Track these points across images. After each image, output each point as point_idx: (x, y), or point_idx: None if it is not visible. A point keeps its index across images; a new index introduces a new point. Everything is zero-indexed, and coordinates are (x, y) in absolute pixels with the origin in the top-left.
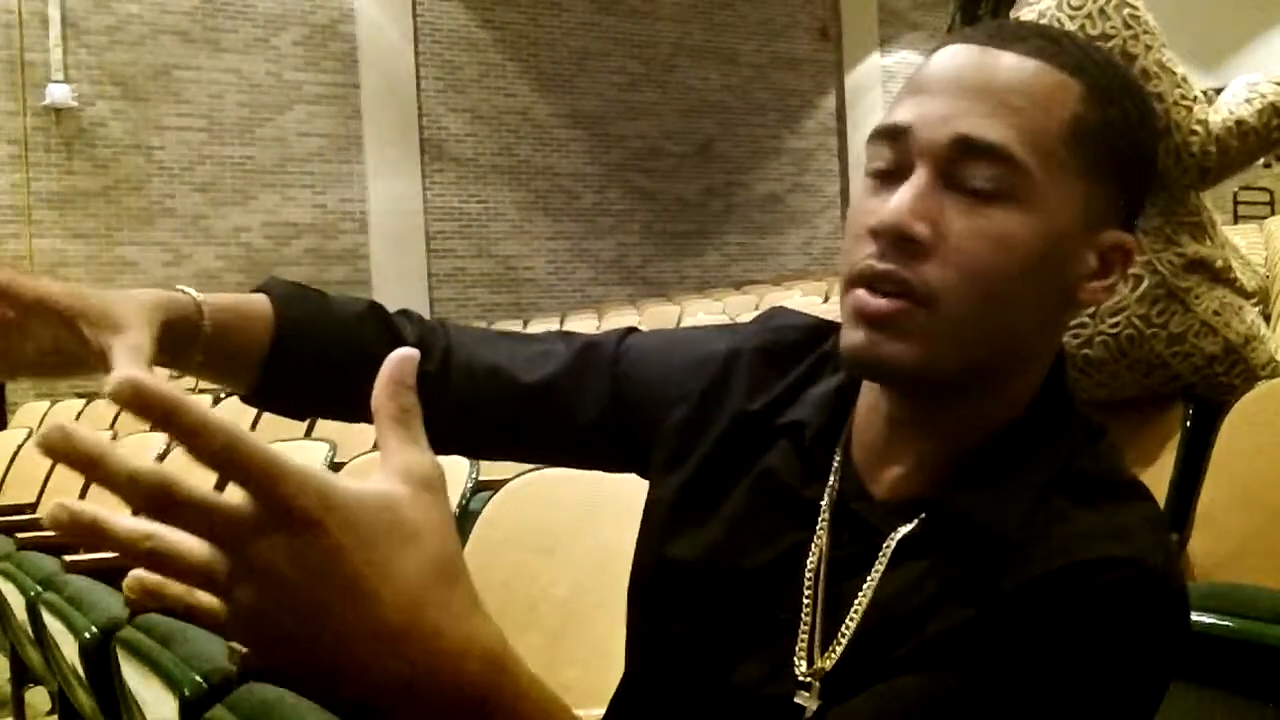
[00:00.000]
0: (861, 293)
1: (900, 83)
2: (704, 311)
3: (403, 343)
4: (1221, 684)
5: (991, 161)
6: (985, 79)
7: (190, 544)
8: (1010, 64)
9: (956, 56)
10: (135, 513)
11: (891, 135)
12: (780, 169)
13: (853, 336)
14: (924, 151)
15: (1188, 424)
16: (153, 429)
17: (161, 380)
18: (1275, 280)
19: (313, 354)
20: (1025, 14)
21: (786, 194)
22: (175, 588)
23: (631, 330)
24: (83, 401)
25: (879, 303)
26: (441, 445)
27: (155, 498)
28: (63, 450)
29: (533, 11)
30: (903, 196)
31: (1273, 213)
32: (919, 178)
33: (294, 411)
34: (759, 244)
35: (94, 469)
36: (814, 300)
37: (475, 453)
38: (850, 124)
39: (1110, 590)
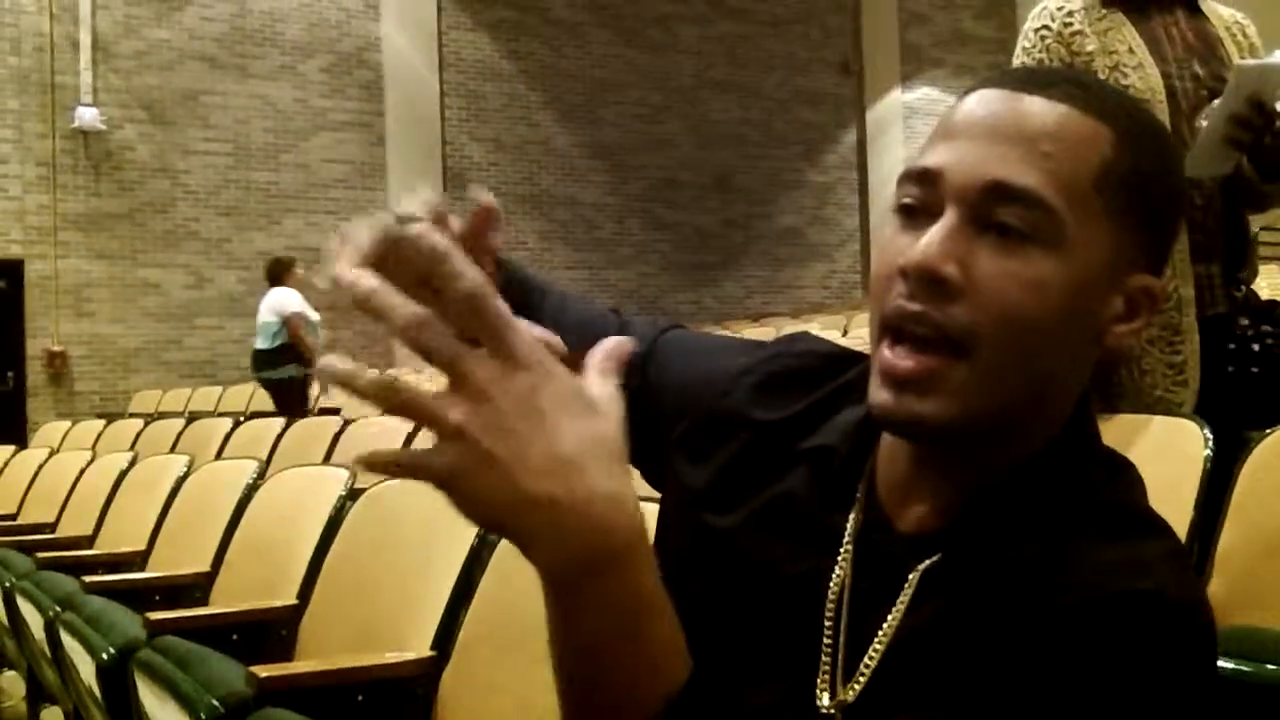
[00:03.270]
0: (888, 352)
1: (921, 119)
2: None
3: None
4: None
5: (1023, 206)
6: (1017, 124)
7: (425, 387)
8: (1041, 109)
9: (988, 102)
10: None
11: (922, 179)
12: (800, 202)
13: (879, 395)
14: (955, 195)
15: (1207, 466)
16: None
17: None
18: None
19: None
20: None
21: (806, 227)
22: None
23: (674, 326)
24: (103, 422)
25: (907, 364)
26: None
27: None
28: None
29: (556, 43)
30: (932, 236)
31: None
32: (949, 218)
33: None
34: (778, 276)
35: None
36: (833, 334)
37: None
38: (871, 158)
39: (1136, 624)
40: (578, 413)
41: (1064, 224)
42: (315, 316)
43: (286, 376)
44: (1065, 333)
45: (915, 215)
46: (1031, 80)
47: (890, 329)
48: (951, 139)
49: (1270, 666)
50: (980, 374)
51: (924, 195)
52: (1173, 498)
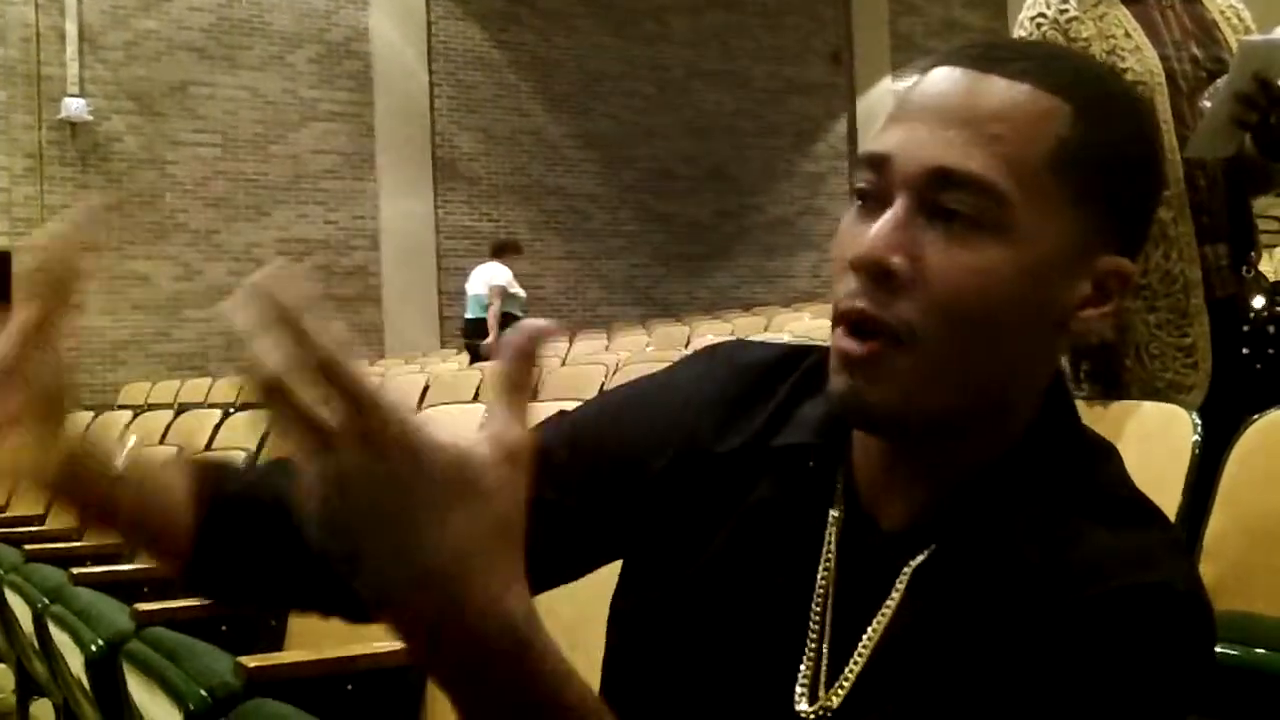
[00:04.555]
0: (842, 336)
1: None
2: (713, 333)
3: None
4: (1228, 714)
5: (971, 192)
6: (968, 105)
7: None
8: (996, 89)
9: (939, 81)
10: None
11: (873, 163)
12: (791, 192)
13: (837, 381)
14: (903, 182)
15: (1196, 452)
16: (274, 326)
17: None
18: None
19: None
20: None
21: (797, 217)
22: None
23: (558, 414)
24: (92, 414)
25: (858, 348)
26: None
27: (320, 366)
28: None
29: (547, 33)
30: (880, 228)
31: None
32: (897, 208)
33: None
34: (769, 266)
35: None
36: (824, 323)
37: None
38: (861, 148)
39: (1142, 617)
40: (457, 498)
41: (1014, 209)
42: (521, 292)
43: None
44: (1020, 321)
45: (868, 201)
46: (990, 56)
47: (842, 319)
48: (901, 121)
49: (1259, 651)
50: (926, 362)
51: (875, 181)
52: (1162, 484)
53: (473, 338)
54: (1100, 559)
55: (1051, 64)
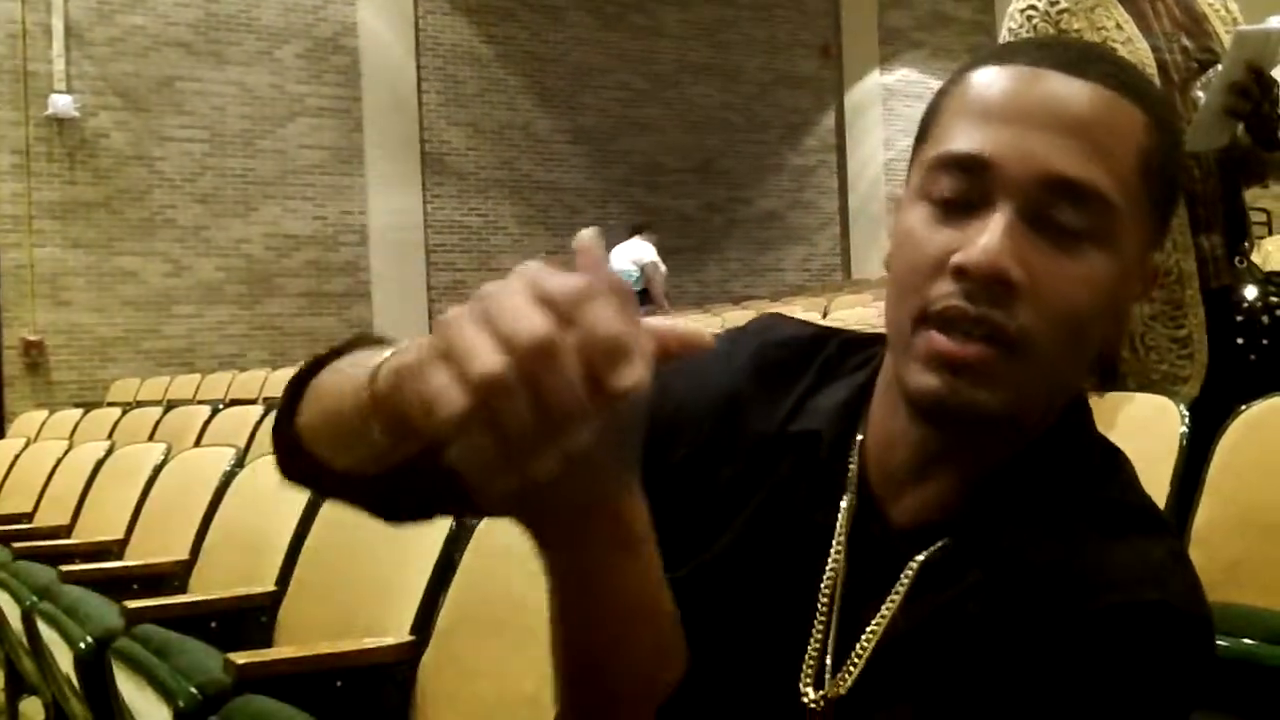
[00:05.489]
0: (941, 337)
1: (900, 101)
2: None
3: None
4: (1215, 704)
5: (1088, 203)
6: (1068, 110)
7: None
8: (1088, 94)
9: (1023, 80)
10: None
11: (967, 165)
12: (781, 186)
13: (928, 381)
14: (1009, 187)
15: (1184, 443)
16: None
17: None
18: None
19: None
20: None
21: (786, 211)
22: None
23: None
24: (81, 411)
25: (965, 350)
26: None
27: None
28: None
29: (535, 27)
30: (994, 236)
31: (1270, 233)
32: (1006, 215)
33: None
34: (758, 260)
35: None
36: (814, 316)
37: None
38: (850, 141)
39: (1142, 636)
40: (631, 437)
41: (1121, 219)
42: (664, 269)
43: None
44: (1105, 324)
45: (954, 208)
46: (1061, 57)
47: (938, 321)
48: (991, 121)
49: (1246, 641)
50: (1036, 368)
51: (968, 183)
52: (1151, 475)
53: None
54: (1103, 570)
55: (1125, 71)
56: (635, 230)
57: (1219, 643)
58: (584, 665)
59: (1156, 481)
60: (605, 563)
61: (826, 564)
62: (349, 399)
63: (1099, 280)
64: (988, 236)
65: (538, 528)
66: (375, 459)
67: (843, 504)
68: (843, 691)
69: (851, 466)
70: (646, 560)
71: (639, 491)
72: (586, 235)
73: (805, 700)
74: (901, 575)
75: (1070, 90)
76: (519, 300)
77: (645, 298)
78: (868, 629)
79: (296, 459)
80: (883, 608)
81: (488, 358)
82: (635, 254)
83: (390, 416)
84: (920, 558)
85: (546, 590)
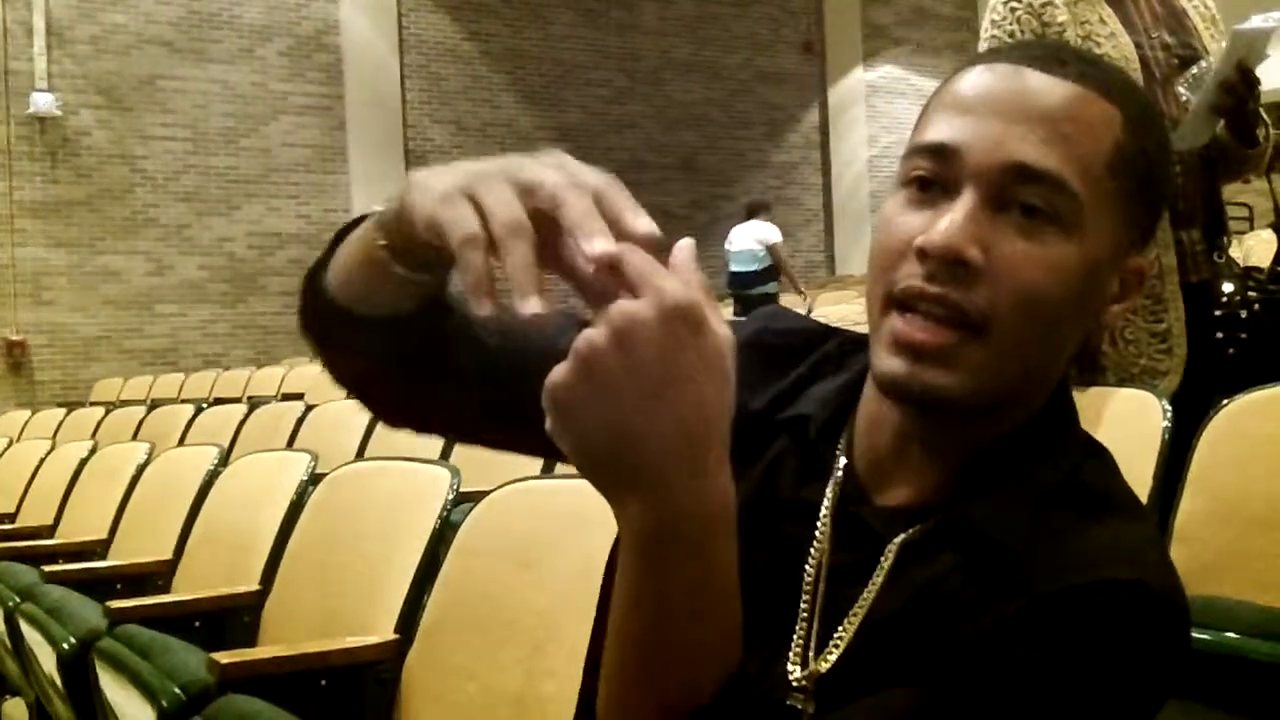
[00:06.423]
0: (901, 322)
1: (883, 97)
2: None
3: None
4: (1199, 697)
5: (1044, 189)
6: (1037, 104)
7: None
8: (1057, 89)
9: (1001, 77)
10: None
11: (938, 154)
12: (764, 182)
13: (892, 364)
14: (975, 174)
15: (1166, 438)
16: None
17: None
18: None
19: None
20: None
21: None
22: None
23: None
24: (64, 411)
25: (924, 335)
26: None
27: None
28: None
29: (518, 24)
30: (955, 218)
31: (1252, 228)
32: (969, 199)
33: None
34: None
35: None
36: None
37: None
38: (833, 138)
39: (1115, 613)
40: (718, 379)
41: (1082, 207)
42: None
43: (764, 293)
44: (1075, 315)
45: (927, 190)
46: (1042, 57)
47: (901, 304)
48: (965, 114)
49: (1229, 635)
50: (996, 353)
51: (938, 170)
52: (1133, 469)
53: (739, 288)
54: (1080, 551)
55: (1104, 72)
56: (753, 211)
57: (1202, 636)
58: (646, 652)
59: (1139, 475)
60: (697, 524)
61: (812, 546)
62: (371, 234)
63: (1060, 265)
64: (948, 219)
65: (633, 470)
66: (392, 298)
67: (829, 487)
68: (824, 670)
69: (840, 449)
70: (731, 541)
71: (729, 467)
72: (684, 245)
73: (790, 678)
74: (882, 556)
75: (1043, 85)
76: (551, 174)
77: (771, 273)
78: (851, 609)
79: (319, 304)
80: (865, 588)
81: (509, 210)
82: (761, 235)
83: (410, 239)
84: (900, 539)
85: (618, 580)
